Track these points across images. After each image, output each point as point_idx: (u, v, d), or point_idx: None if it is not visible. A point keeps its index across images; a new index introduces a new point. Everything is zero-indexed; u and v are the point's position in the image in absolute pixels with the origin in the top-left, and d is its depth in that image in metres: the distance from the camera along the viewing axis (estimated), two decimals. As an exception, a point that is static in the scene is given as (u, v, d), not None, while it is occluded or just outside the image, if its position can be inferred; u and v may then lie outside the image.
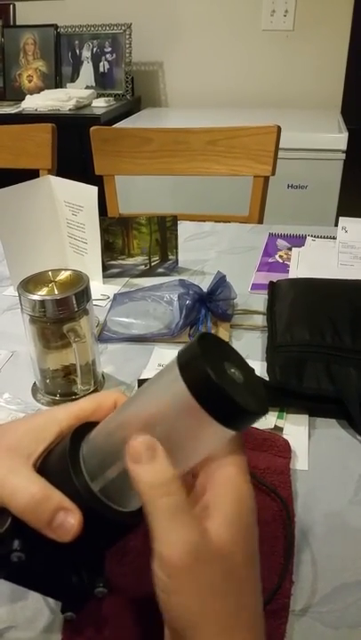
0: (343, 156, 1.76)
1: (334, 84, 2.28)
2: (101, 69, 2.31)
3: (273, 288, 0.83)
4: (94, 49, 2.29)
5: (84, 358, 0.62)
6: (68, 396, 0.65)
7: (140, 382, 0.65)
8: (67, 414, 0.35)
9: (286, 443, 0.56)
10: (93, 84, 2.33)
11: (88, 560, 0.34)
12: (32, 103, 2.13)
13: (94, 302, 0.64)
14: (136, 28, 2.25)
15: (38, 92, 2.25)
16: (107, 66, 2.30)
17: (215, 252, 1.06)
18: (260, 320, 0.80)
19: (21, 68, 2.37)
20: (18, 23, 2.43)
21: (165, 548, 0.28)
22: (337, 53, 2.22)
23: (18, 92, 2.37)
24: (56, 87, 2.33)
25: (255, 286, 0.90)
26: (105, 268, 0.94)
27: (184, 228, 1.14)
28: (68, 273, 0.63)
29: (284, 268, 0.98)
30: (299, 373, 0.63)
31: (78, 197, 0.88)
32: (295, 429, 0.59)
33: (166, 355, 0.73)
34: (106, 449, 0.32)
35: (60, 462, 0.33)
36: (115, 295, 0.87)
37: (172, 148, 1.37)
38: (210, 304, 0.78)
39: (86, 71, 2.33)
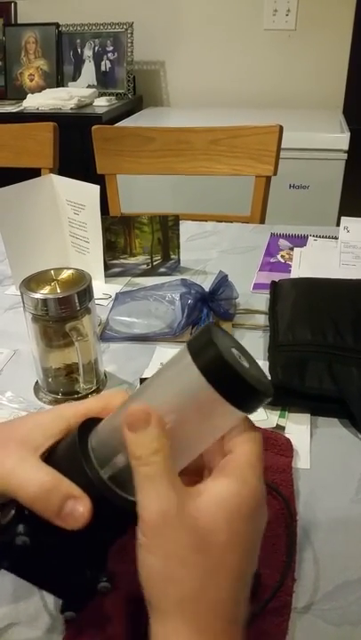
0: (345, 155, 1.76)
1: (336, 84, 2.28)
2: (103, 68, 2.31)
3: (275, 288, 0.83)
4: (96, 48, 2.29)
5: (86, 357, 0.62)
6: (71, 394, 0.65)
7: (142, 381, 0.65)
8: (74, 412, 0.36)
9: (288, 442, 0.56)
10: (95, 83, 2.33)
11: (93, 554, 0.34)
12: (34, 102, 2.13)
13: (96, 301, 0.65)
14: (138, 27, 2.25)
15: (40, 91, 2.25)
16: (108, 65, 2.30)
17: (217, 251, 1.06)
18: (261, 319, 0.80)
19: (23, 67, 2.37)
20: (19, 22, 2.42)
21: (142, 509, 0.30)
22: (339, 53, 2.22)
23: (19, 90, 2.37)
24: (58, 86, 2.33)
25: (257, 286, 0.90)
26: (107, 267, 0.94)
27: (186, 228, 1.14)
28: (70, 272, 0.63)
29: (286, 267, 0.98)
30: (301, 373, 0.63)
31: (80, 196, 0.88)
32: (297, 428, 0.59)
33: (168, 354, 0.73)
34: (116, 438, 0.33)
35: (70, 452, 0.33)
36: (117, 294, 0.88)
37: (173, 147, 1.38)
38: (212, 303, 0.78)
39: (88, 70, 2.33)
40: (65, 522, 0.31)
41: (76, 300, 0.59)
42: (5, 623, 0.41)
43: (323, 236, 1.09)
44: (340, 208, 1.82)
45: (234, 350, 0.31)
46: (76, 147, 1.79)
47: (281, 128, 1.29)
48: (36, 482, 0.31)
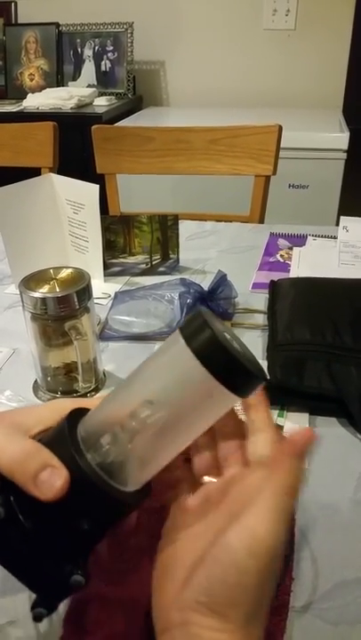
0: (344, 155, 1.77)
1: (336, 84, 2.28)
2: (103, 68, 2.31)
3: (274, 287, 0.83)
4: (96, 47, 2.30)
5: (85, 356, 0.62)
6: (70, 393, 0.65)
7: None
8: (73, 405, 0.36)
9: (287, 441, 0.56)
10: (95, 83, 2.33)
11: (73, 544, 0.33)
12: (34, 102, 2.13)
13: (95, 301, 0.65)
14: (138, 26, 2.25)
15: (40, 91, 2.25)
16: (108, 64, 2.30)
17: (216, 251, 1.06)
18: (260, 319, 0.80)
19: (23, 67, 2.37)
20: (20, 21, 2.43)
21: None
22: (338, 53, 2.22)
23: (19, 90, 2.37)
24: (58, 86, 2.33)
25: (256, 285, 0.90)
26: (106, 266, 0.94)
27: (185, 227, 1.14)
28: (70, 271, 0.63)
29: (285, 267, 0.98)
30: (299, 372, 0.63)
31: (80, 195, 0.88)
32: (296, 428, 0.59)
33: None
34: (105, 421, 0.33)
35: (58, 436, 0.33)
36: (116, 293, 0.88)
37: (173, 146, 1.38)
38: (211, 303, 0.78)
39: (88, 70, 2.33)
40: (40, 490, 0.30)
41: (76, 299, 0.59)
42: (4, 621, 0.41)
43: (322, 236, 1.09)
44: (339, 208, 1.82)
45: (227, 334, 0.31)
46: (75, 146, 1.79)
47: (280, 128, 1.29)
48: (16, 447, 0.31)
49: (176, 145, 1.37)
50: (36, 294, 0.58)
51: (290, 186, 1.82)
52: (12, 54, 2.37)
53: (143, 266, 0.96)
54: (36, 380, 0.68)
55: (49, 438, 0.33)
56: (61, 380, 0.65)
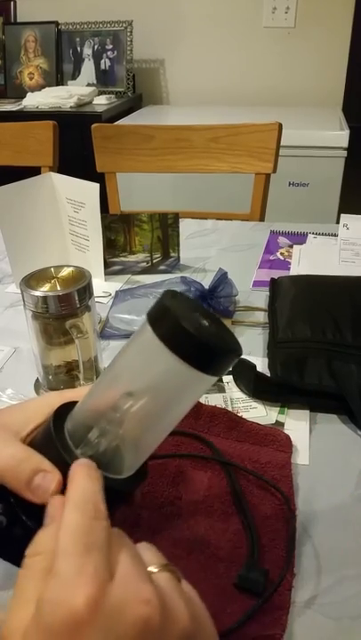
0: (345, 153, 1.77)
1: (336, 82, 2.28)
2: (103, 67, 2.31)
3: (274, 285, 0.84)
4: (95, 46, 2.29)
5: (86, 354, 0.62)
6: (71, 391, 0.65)
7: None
8: (61, 399, 0.36)
9: (287, 438, 0.56)
10: (95, 82, 2.33)
11: None
12: (33, 101, 2.13)
13: (96, 299, 0.65)
14: (137, 25, 2.25)
15: (39, 90, 2.25)
16: (108, 63, 2.30)
17: (217, 249, 1.06)
18: (261, 317, 0.80)
19: (22, 66, 2.37)
20: (19, 20, 2.42)
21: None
22: (338, 51, 2.22)
23: (19, 89, 2.37)
24: (57, 85, 2.33)
25: (257, 283, 0.90)
26: (107, 265, 0.94)
27: (186, 226, 1.15)
28: (71, 269, 0.63)
29: (286, 265, 0.98)
30: (300, 369, 0.63)
31: (80, 194, 0.88)
32: (296, 425, 0.59)
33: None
34: (89, 416, 0.33)
35: (45, 434, 0.33)
36: (117, 292, 0.88)
37: (173, 145, 1.38)
38: (211, 301, 0.78)
39: (87, 68, 2.33)
40: (35, 495, 0.31)
41: (76, 298, 0.59)
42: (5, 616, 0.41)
43: (322, 234, 1.09)
44: (339, 205, 1.82)
45: (195, 314, 0.31)
46: (75, 145, 1.78)
47: (280, 126, 1.29)
48: (7, 453, 0.32)
49: (176, 143, 1.37)
50: (37, 293, 0.58)
51: (290, 184, 1.82)
52: (11, 53, 2.37)
53: (144, 264, 0.96)
54: (37, 379, 0.68)
55: (38, 440, 0.34)
56: (62, 379, 0.65)
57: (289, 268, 0.96)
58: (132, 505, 0.37)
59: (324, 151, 1.78)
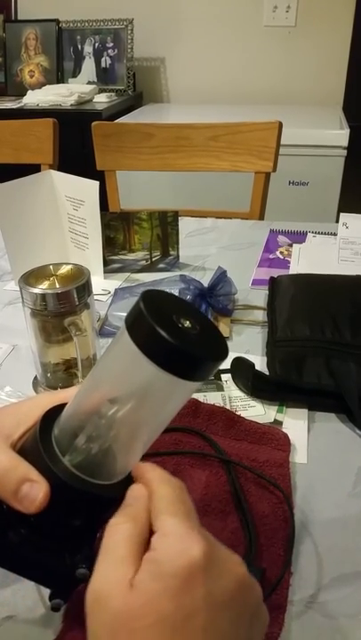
0: (344, 152, 1.76)
1: (336, 81, 2.28)
2: (103, 65, 2.31)
3: (273, 284, 0.84)
4: (96, 44, 2.29)
5: (85, 352, 0.62)
6: (69, 389, 0.65)
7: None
8: (52, 400, 0.36)
9: (286, 436, 0.56)
10: (95, 80, 2.32)
11: (70, 540, 0.33)
12: (34, 98, 2.13)
13: (95, 297, 0.65)
14: (138, 23, 2.25)
15: (40, 88, 2.25)
16: (108, 61, 2.30)
17: (216, 247, 1.06)
18: (260, 315, 0.80)
19: (23, 63, 2.37)
20: (19, 18, 2.42)
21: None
22: (339, 50, 2.22)
23: (19, 87, 2.37)
24: (58, 82, 2.33)
25: (256, 282, 0.90)
26: (106, 263, 0.94)
27: (185, 224, 1.14)
28: (70, 267, 0.63)
29: (285, 264, 0.98)
30: (299, 368, 0.63)
31: (79, 192, 0.88)
32: (295, 423, 0.59)
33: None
34: (75, 422, 0.33)
35: (33, 440, 0.33)
36: (116, 290, 0.88)
37: (173, 143, 1.37)
38: (210, 299, 0.78)
39: (88, 66, 2.32)
40: (21, 504, 0.31)
41: (75, 296, 0.59)
42: (3, 615, 0.41)
43: (322, 233, 1.09)
44: (339, 204, 1.82)
45: (176, 316, 0.29)
46: (75, 143, 1.78)
47: (280, 124, 1.29)
48: None
49: (176, 141, 1.37)
50: (36, 290, 0.58)
51: (290, 183, 1.82)
52: (11, 51, 2.37)
53: (143, 262, 0.96)
54: (35, 377, 0.68)
55: (27, 446, 0.33)
56: (61, 377, 0.65)
57: (288, 267, 0.96)
58: None
59: (324, 150, 1.77)
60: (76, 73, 2.35)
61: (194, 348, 0.28)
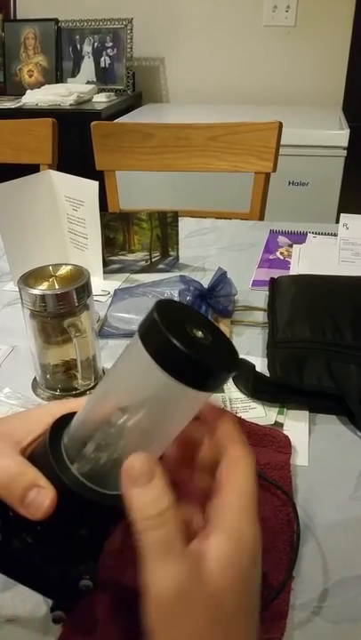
0: (344, 152, 1.76)
1: (336, 81, 2.27)
2: (102, 64, 2.30)
3: (274, 284, 0.83)
4: (95, 44, 2.29)
5: (84, 353, 0.62)
6: (69, 391, 0.65)
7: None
8: (62, 409, 0.35)
9: (287, 438, 0.56)
10: (94, 80, 2.32)
11: (75, 551, 0.33)
12: (33, 98, 2.13)
13: (95, 298, 0.64)
14: (137, 23, 2.25)
15: (39, 87, 2.24)
16: (108, 61, 2.30)
17: (216, 248, 1.05)
18: (260, 316, 0.80)
19: (22, 63, 2.37)
20: (18, 17, 2.42)
21: (153, 584, 0.28)
22: (339, 50, 2.22)
23: (18, 86, 2.36)
24: (57, 82, 2.33)
25: (256, 283, 0.90)
26: (105, 263, 0.94)
27: (185, 225, 1.14)
28: (69, 268, 0.62)
29: (285, 264, 0.97)
30: (299, 370, 0.63)
31: (79, 192, 0.87)
32: (295, 425, 0.59)
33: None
34: (84, 430, 0.32)
35: (42, 448, 0.33)
36: (115, 291, 0.87)
37: (172, 143, 1.37)
38: (210, 300, 0.78)
39: (87, 66, 2.32)
40: (27, 510, 0.31)
41: (75, 297, 0.59)
42: (3, 619, 0.41)
43: (322, 233, 1.08)
44: (339, 205, 1.81)
45: (189, 326, 0.29)
46: (75, 143, 1.78)
47: (280, 125, 1.29)
48: (2, 466, 0.32)
49: (176, 142, 1.37)
50: (35, 291, 0.58)
51: (290, 183, 1.81)
52: (10, 50, 2.36)
53: (143, 263, 0.96)
54: (35, 378, 0.67)
55: (37, 452, 0.33)
56: (60, 378, 0.65)
57: (288, 268, 0.96)
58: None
59: (323, 150, 1.77)
60: (75, 73, 2.34)
61: (207, 358, 0.28)
